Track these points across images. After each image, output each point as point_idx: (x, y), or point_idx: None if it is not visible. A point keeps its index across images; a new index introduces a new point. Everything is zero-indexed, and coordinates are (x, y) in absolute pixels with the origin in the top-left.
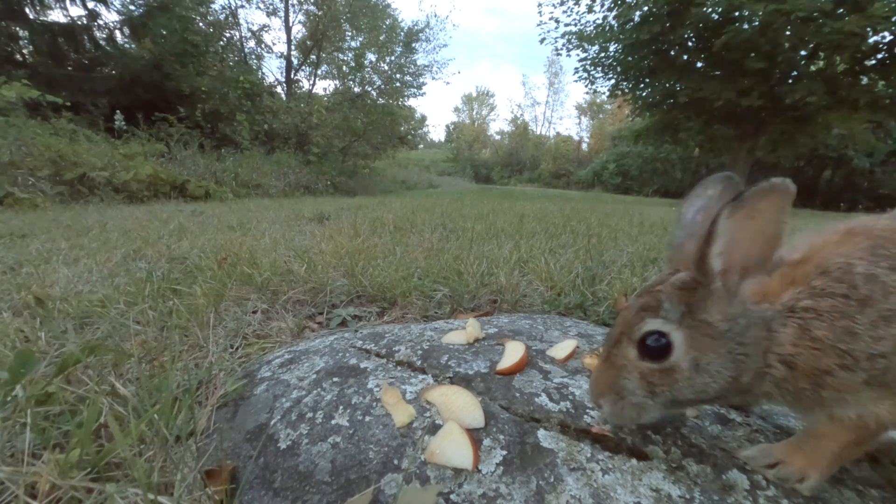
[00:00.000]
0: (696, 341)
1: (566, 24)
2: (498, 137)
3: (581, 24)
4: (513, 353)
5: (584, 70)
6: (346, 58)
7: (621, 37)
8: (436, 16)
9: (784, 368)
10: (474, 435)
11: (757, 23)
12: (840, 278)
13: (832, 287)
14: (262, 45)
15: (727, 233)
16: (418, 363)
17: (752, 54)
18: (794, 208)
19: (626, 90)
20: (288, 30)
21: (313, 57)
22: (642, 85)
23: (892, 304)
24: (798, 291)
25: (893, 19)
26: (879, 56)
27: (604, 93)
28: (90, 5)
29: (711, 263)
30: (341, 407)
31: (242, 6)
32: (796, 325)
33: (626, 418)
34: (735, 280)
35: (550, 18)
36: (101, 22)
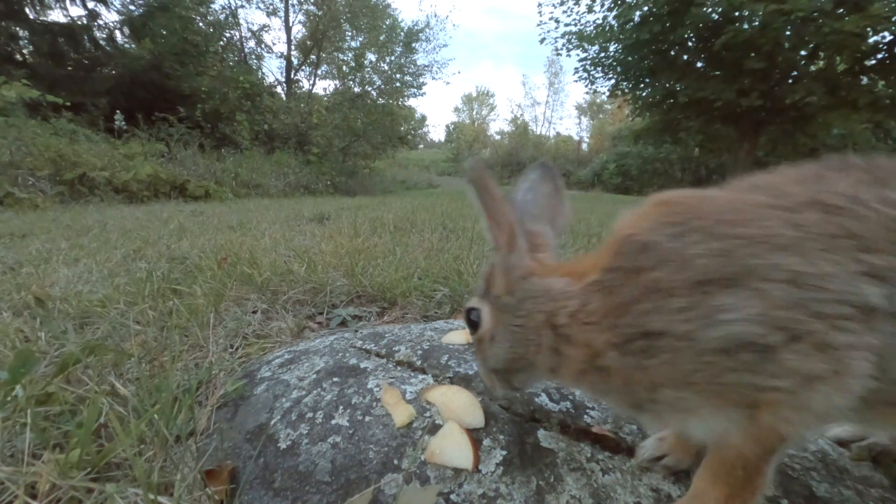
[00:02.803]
0: (493, 314)
1: (566, 24)
2: (498, 137)
3: (581, 24)
4: None
5: (584, 70)
6: (346, 58)
7: (621, 37)
8: (436, 16)
9: (559, 341)
10: (474, 435)
11: (757, 23)
12: (620, 251)
13: (614, 261)
14: (262, 45)
15: (482, 212)
16: (418, 363)
17: (752, 54)
18: None
19: (626, 90)
20: (288, 30)
21: (313, 57)
22: (642, 85)
23: (666, 273)
24: (591, 267)
25: (893, 19)
26: (879, 56)
27: (604, 93)
28: (90, 5)
29: (491, 238)
30: (341, 407)
31: (242, 6)
32: (579, 300)
33: (491, 388)
34: (504, 252)
35: (550, 18)
36: (101, 22)
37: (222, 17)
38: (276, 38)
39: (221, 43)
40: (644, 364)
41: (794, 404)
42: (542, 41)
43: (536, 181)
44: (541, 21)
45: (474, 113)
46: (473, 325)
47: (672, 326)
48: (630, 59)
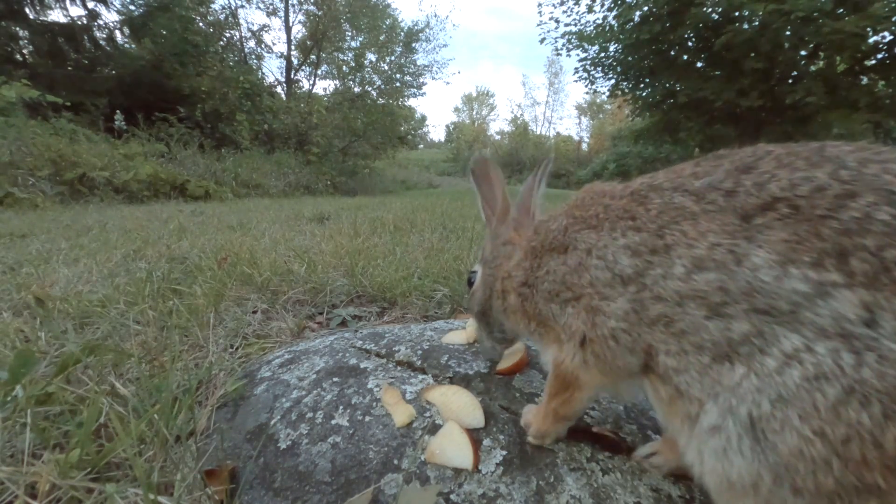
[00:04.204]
0: (482, 272)
1: (566, 24)
2: (498, 137)
3: (581, 24)
4: (513, 353)
5: (584, 70)
6: (346, 58)
7: (621, 37)
8: (436, 16)
9: (499, 287)
10: (474, 435)
11: (757, 23)
12: (536, 229)
13: (533, 238)
14: (262, 45)
15: (478, 192)
16: (418, 363)
17: (752, 54)
18: None
19: (626, 90)
20: (288, 30)
21: (313, 57)
22: (642, 85)
23: (538, 242)
24: (529, 238)
25: (893, 19)
26: (879, 56)
27: (604, 93)
28: (90, 5)
29: (484, 214)
30: (341, 407)
31: (242, 6)
32: (514, 262)
33: (480, 339)
34: (493, 224)
35: (550, 18)
36: (101, 22)
37: (222, 17)
38: (276, 38)
39: (221, 43)
40: (522, 302)
41: (577, 361)
42: (542, 41)
43: (540, 180)
44: (541, 21)
45: (474, 113)
46: (470, 283)
47: (532, 280)
48: (630, 59)
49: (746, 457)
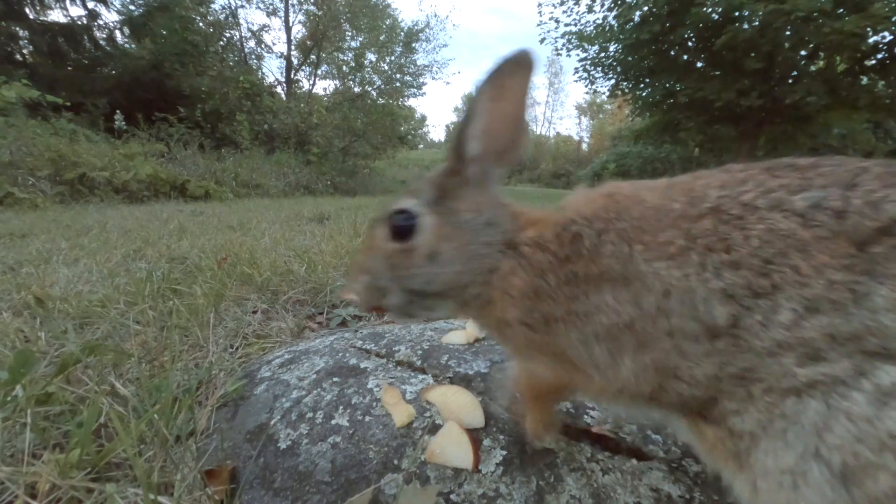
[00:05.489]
0: (440, 229)
1: (566, 24)
2: None
3: (581, 24)
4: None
5: (584, 70)
6: (346, 58)
7: (621, 37)
8: (436, 16)
9: (488, 296)
10: (474, 435)
11: (757, 23)
12: (559, 234)
13: (552, 241)
14: (262, 45)
15: (484, 113)
16: (418, 363)
17: (752, 54)
18: None
19: (626, 90)
20: (288, 30)
21: (313, 57)
22: (642, 85)
23: (580, 267)
24: (537, 235)
25: (893, 19)
26: (879, 56)
27: (604, 93)
28: (90, 5)
29: (468, 147)
30: (341, 407)
31: (242, 6)
32: (510, 265)
33: (372, 300)
34: (490, 165)
35: (550, 18)
36: (101, 22)
37: (222, 17)
38: (276, 38)
39: (221, 43)
40: (536, 337)
41: (596, 389)
42: (542, 41)
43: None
44: (541, 21)
45: None
46: (402, 232)
47: (568, 315)
48: (630, 59)
49: (827, 496)
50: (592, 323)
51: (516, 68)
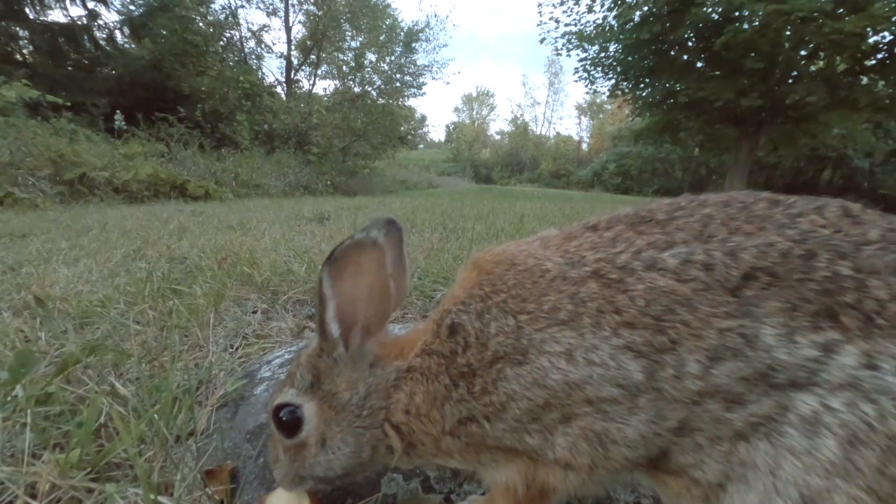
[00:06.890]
0: (324, 414)
1: (566, 24)
2: (498, 137)
3: (581, 24)
4: None
5: (584, 70)
6: (346, 58)
7: (621, 37)
8: (436, 16)
9: (397, 437)
10: None
11: (757, 23)
12: (437, 331)
13: (432, 343)
14: (262, 45)
15: (336, 294)
16: None
17: (752, 54)
18: None
19: (626, 90)
20: (288, 30)
21: (313, 57)
22: (642, 85)
23: (471, 357)
24: (421, 344)
25: (893, 19)
26: (879, 56)
27: (604, 93)
28: (90, 5)
29: (329, 330)
30: None
31: (242, 6)
32: (405, 392)
33: (294, 486)
34: (357, 342)
35: (550, 18)
36: (101, 22)
37: (222, 17)
38: (276, 38)
39: (221, 43)
40: (468, 442)
41: (561, 476)
42: (542, 41)
43: (389, 246)
44: (541, 21)
45: (474, 113)
46: (289, 427)
47: (478, 411)
48: (630, 59)
49: None
50: (511, 410)
51: (362, 249)
